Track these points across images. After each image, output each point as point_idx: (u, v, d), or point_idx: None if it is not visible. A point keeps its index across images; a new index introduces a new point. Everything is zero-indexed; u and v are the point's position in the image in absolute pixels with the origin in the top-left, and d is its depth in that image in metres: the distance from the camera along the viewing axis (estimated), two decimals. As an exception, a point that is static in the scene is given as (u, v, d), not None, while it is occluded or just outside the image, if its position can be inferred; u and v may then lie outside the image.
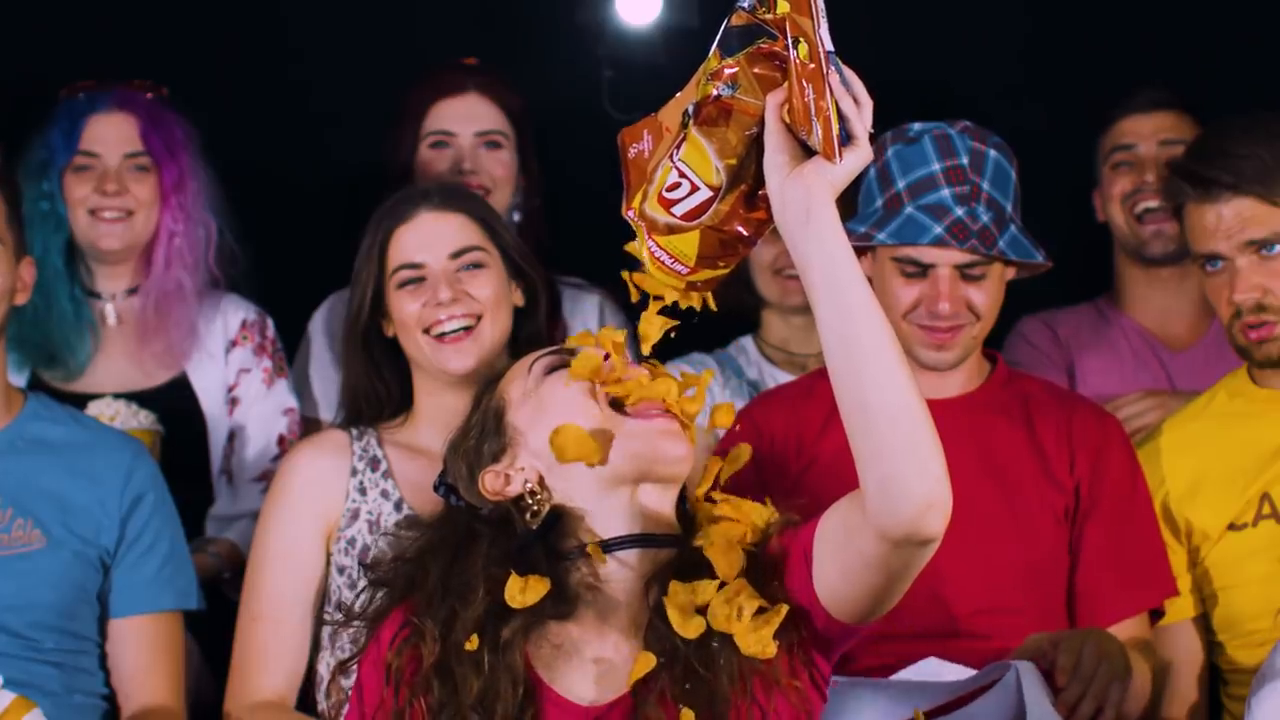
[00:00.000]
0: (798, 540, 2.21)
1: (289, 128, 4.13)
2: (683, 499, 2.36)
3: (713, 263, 2.16)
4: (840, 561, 2.15)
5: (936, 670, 2.77)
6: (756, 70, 2.04)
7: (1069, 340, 3.76)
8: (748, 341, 3.78)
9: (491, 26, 4.20)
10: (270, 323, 3.71)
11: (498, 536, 2.31)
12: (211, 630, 3.25)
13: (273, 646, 2.94)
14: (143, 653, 3.02)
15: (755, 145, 2.07)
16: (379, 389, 3.09)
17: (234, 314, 3.69)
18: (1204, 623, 3.07)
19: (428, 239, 3.03)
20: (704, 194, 2.10)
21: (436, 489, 2.42)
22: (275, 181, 4.04)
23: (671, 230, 2.14)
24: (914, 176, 2.94)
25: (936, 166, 2.94)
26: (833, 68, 1.99)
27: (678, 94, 2.13)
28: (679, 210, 2.12)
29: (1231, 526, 3.01)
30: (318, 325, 3.75)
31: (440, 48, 3.97)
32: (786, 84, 2.02)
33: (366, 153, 3.83)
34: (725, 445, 3.06)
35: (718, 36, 2.06)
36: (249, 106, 4.11)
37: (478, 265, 3.04)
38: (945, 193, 2.93)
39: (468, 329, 3.00)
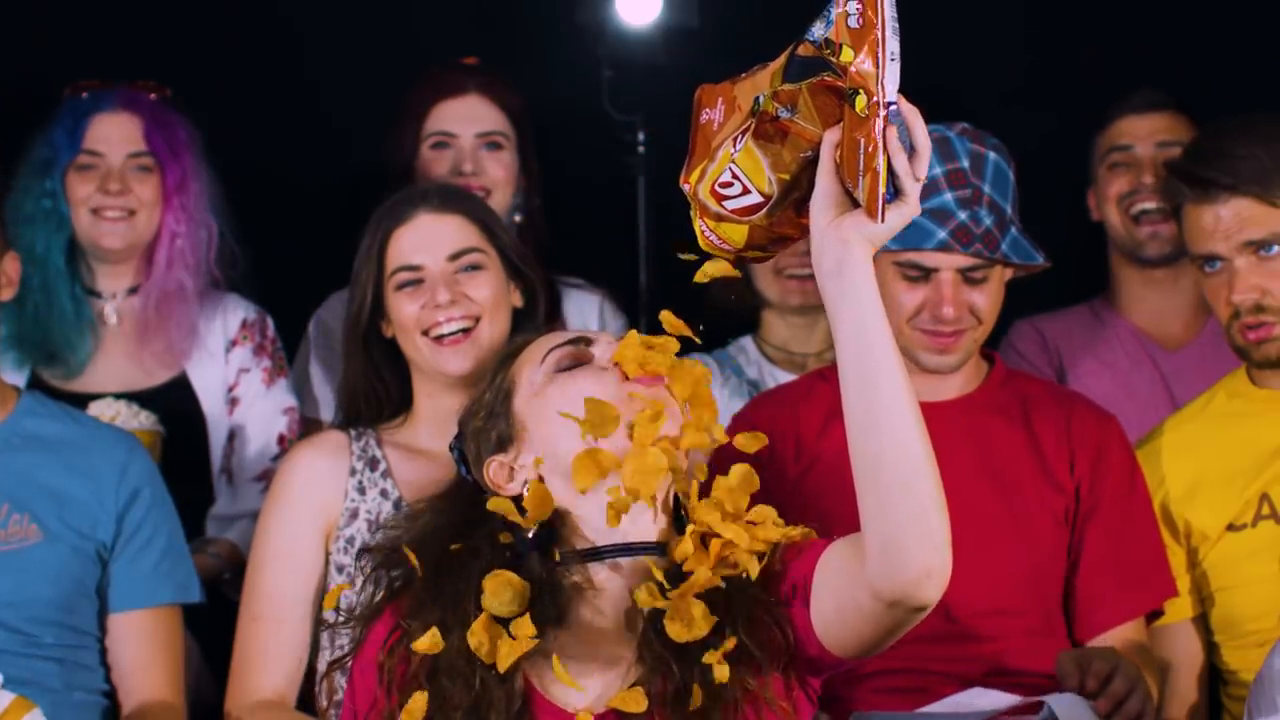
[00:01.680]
0: (799, 563, 2.19)
1: (289, 128, 4.13)
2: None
3: (760, 249, 2.16)
4: (836, 602, 2.14)
5: (974, 699, 2.78)
6: (818, 100, 2.02)
7: (1059, 343, 3.76)
8: (748, 341, 3.78)
9: (491, 26, 4.20)
10: (270, 322, 3.71)
11: (495, 540, 2.28)
12: (211, 630, 3.25)
13: (273, 647, 2.94)
14: (142, 647, 3.02)
15: (810, 164, 2.05)
16: (378, 390, 3.08)
17: (234, 313, 3.69)
18: (1203, 623, 3.07)
19: (426, 240, 3.03)
20: (755, 198, 2.10)
21: (451, 450, 2.39)
22: (275, 181, 4.04)
23: (721, 219, 2.13)
24: None
25: (938, 170, 2.93)
26: (892, 122, 1.97)
27: (758, 69, 2.10)
28: (730, 205, 2.11)
29: (1231, 527, 3.01)
30: (318, 325, 3.76)
31: (440, 48, 3.97)
32: (840, 129, 2.00)
33: (366, 153, 3.83)
34: (724, 447, 3.05)
35: (784, 59, 2.04)
36: (249, 107, 4.11)
37: (476, 267, 3.03)
38: (948, 197, 2.93)
39: (466, 331, 3.00)
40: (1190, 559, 3.05)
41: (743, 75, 2.12)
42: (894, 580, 2.03)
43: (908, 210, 2.00)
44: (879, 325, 2.02)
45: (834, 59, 1.98)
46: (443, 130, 3.71)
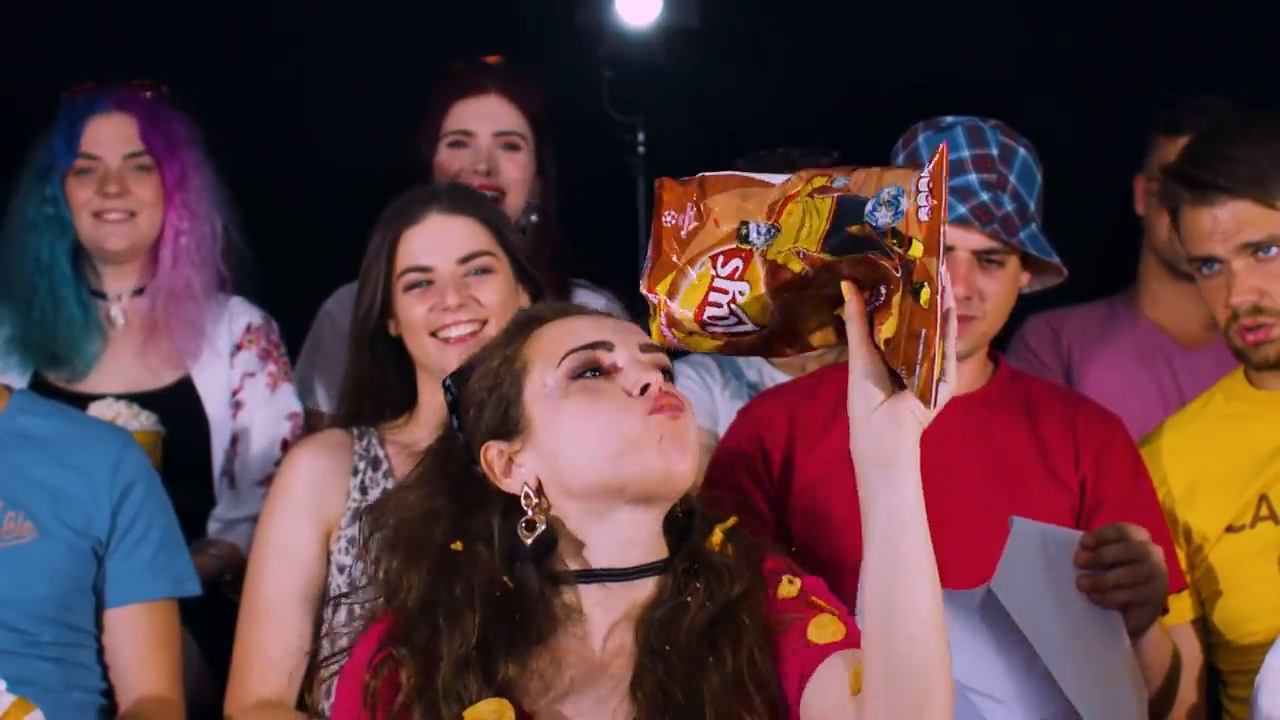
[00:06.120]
0: (802, 653, 2.14)
1: (289, 130, 4.14)
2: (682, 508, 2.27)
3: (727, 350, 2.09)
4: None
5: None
6: (852, 270, 1.95)
7: (1072, 341, 3.76)
8: (747, 342, 3.77)
9: (492, 27, 4.21)
10: (275, 326, 3.72)
11: (493, 546, 2.20)
12: (211, 630, 3.26)
13: (273, 647, 2.93)
14: (139, 642, 3.02)
15: (824, 304, 2.00)
16: (381, 388, 3.09)
17: (240, 317, 3.69)
18: (1202, 624, 3.07)
19: (436, 242, 3.03)
20: (748, 328, 2.02)
21: (446, 390, 2.29)
22: (275, 183, 4.05)
23: (692, 335, 2.04)
24: None
25: (966, 153, 2.92)
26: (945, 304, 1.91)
27: (731, 182, 2.01)
28: (715, 330, 2.03)
29: (1230, 529, 3.01)
30: (325, 318, 3.76)
31: (441, 49, 3.98)
32: (890, 320, 1.93)
33: (366, 155, 3.84)
34: (727, 445, 3.05)
35: (826, 229, 1.96)
36: (249, 108, 4.12)
37: (486, 270, 3.04)
38: (972, 178, 2.91)
39: (473, 332, 3.01)
40: (1190, 560, 3.05)
41: (709, 178, 2.03)
42: None
43: (949, 388, 1.92)
44: (919, 516, 1.95)
45: (899, 249, 1.92)
46: (461, 129, 3.71)
